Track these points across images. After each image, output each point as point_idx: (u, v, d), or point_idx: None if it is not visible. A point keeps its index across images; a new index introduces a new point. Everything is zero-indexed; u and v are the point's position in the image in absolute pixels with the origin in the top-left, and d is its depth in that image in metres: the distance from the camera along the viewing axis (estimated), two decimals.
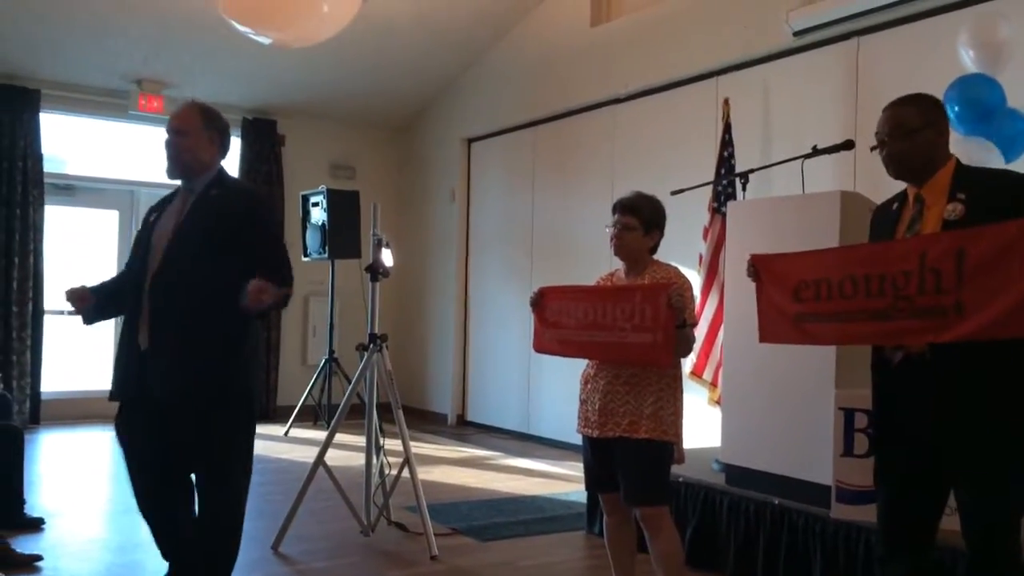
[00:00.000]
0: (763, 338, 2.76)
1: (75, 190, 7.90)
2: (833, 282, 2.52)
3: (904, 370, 2.42)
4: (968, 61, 3.92)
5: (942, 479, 2.41)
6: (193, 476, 2.97)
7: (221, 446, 2.91)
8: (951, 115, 3.77)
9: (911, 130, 2.43)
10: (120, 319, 3.05)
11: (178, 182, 3.05)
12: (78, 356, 7.91)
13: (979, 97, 3.77)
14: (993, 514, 2.32)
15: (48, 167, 7.50)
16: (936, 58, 4.40)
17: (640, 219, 3.06)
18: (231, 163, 7.99)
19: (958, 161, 2.49)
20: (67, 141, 7.88)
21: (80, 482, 5.52)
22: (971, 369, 2.30)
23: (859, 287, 2.45)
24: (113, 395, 3.01)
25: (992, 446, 2.29)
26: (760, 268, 2.74)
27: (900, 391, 2.45)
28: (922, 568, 2.50)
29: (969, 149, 3.58)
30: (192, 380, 2.82)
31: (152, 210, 3.09)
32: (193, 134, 2.92)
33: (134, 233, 3.30)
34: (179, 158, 2.93)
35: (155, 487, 2.95)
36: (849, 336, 2.62)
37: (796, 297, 2.63)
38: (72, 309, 2.94)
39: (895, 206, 2.57)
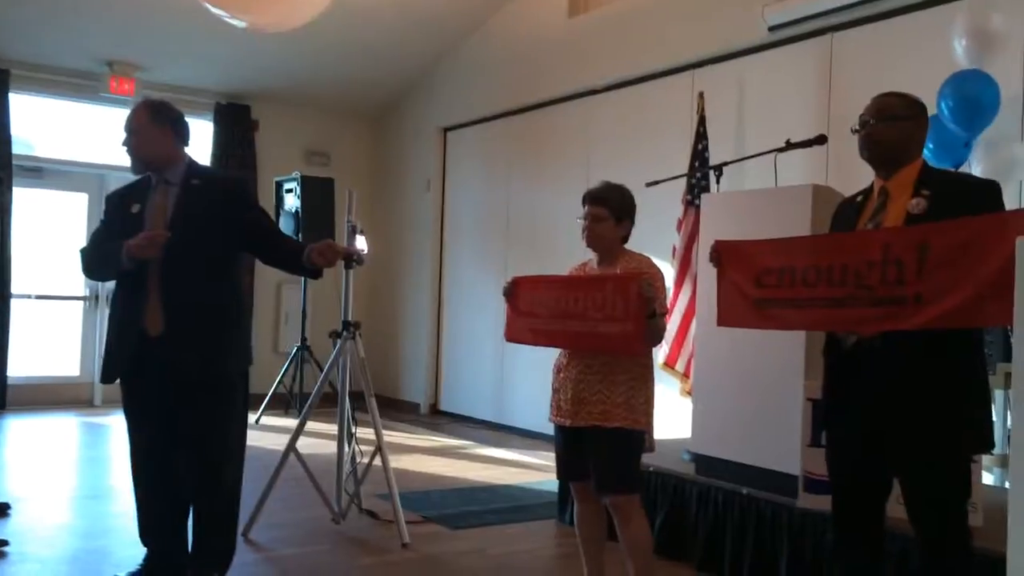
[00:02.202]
0: (721, 321, 2.84)
1: (44, 172, 7.79)
2: (797, 270, 2.58)
3: (855, 354, 2.49)
4: (960, 51, 3.97)
5: (888, 464, 2.48)
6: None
7: (227, 419, 3.13)
8: (944, 110, 3.87)
9: (896, 116, 2.54)
10: (102, 301, 3.12)
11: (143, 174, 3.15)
12: (46, 341, 7.82)
13: (974, 94, 3.83)
14: (941, 497, 2.37)
15: (17, 149, 7.40)
16: (907, 55, 4.46)
17: (610, 209, 3.07)
18: (204, 147, 8.04)
19: (925, 161, 2.58)
20: (37, 123, 7.75)
21: (47, 468, 5.46)
22: (920, 356, 2.36)
23: (822, 275, 2.52)
24: (108, 378, 3.10)
25: (939, 430, 2.35)
26: (723, 253, 2.80)
27: (850, 375, 2.51)
28: (873, 554, 2.56)
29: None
30: (209, 359, 3.02)
31: (122, 198, 3.14)
32: (143, 132, 3.04)
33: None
34: (136, 155, 3.06)
35: (155, 450, 3.08)
36: (808, 322, 2.71)
37: (758, 283, 2.68)
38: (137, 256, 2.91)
39: (859, 198, 2.67)
